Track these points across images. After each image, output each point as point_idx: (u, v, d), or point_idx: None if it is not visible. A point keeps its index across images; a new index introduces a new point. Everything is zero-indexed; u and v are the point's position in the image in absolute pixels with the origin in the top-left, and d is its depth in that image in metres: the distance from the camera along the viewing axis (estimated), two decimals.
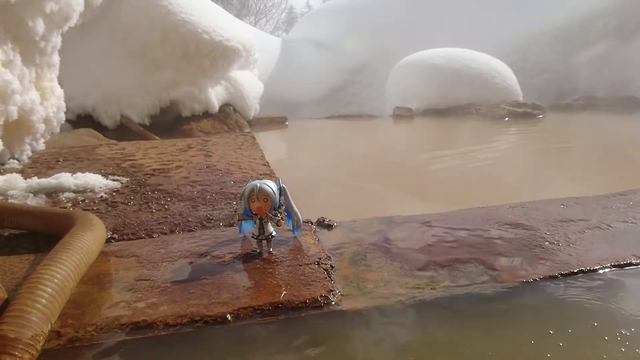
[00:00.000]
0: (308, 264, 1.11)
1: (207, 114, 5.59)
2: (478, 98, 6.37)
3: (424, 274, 1.07)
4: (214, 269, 1.10)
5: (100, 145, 2.99)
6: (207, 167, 2.23)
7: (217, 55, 5.56)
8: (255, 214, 1.17)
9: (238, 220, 1.19)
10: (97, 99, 5.08)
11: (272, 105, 7.15)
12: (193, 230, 1.46)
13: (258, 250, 1.18)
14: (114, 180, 2.05)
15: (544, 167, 2.83)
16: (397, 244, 1.25)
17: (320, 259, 1.14)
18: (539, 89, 7.66)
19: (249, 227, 1.31)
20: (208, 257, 1.18)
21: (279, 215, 1.17)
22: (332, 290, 0.98)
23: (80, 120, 5.07)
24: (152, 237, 1.39)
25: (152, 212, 1.65)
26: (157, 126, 5.16)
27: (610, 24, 7.60)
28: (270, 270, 1.08)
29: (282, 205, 1.20)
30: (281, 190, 1.20)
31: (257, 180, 1.16)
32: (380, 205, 2.12)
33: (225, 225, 1.50)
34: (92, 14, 4.95)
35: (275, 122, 6.31)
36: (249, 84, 6.31)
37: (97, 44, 5.15)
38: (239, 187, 1.92)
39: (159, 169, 2.22)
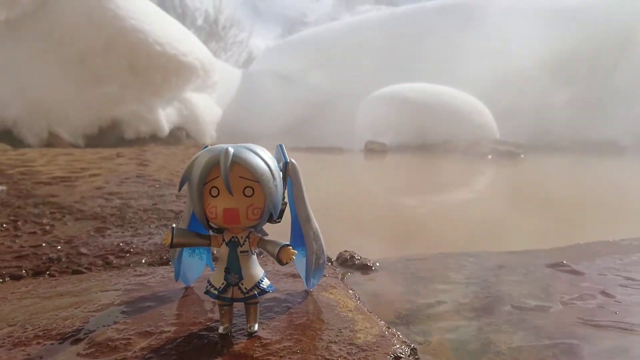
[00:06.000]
0: None
1: (155, 137, 4.78)
2: (455, 134, 5.92)
3: None
4: None
5: None
6: (137, 176, 1.47)
7: (170, 71, 4.84)
8: (219, 233, 0.45)
9: (172, 245, 0.45)
10: (21, 111, 4.19)
11: (228, 137, 6.43)
12: (80, 272, 0.70)
13: (222, 330, 0.45)
14: None
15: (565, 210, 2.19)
16: (537, 309, 0.54)
17: (397, 356, 0.41)
18: (512, 130, 7.34)
19: (201, 267, 0.58)
20: (81, 344, 0.43)
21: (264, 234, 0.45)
22: None
23: None
24: None
25: (15, 236, 0.89)
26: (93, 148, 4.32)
27: (582, 68, 7.47)
28: None
29: (284, 207, 0.47)
30: (287, 171, 0.48)
31: (229, 144, 0.44)
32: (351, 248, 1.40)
33: (151, 264, 0.76)
34: (21, 9, 4.16)
35: None
36: (205, 107, 5.60)
37: (27, 46, 4.32)
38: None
39: (61, 177, 1.45)
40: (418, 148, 5.79)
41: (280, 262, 0.43)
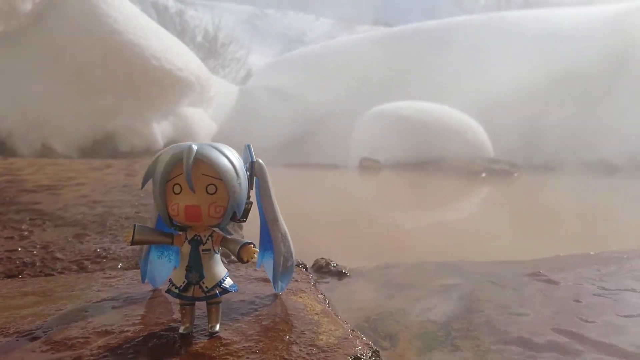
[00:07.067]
0: None
1: (149, 151, 4.77)
2: (450, 153, 5.94)
3: None
4: None
5: None
6: (124, 186, 1.47)
7: (166, 85, 4.86)
8: (182, 231, 0.45)
9: (133, 241, 0.45)
10: (16, 123, 4.20)
11: None
12: (52, 275, 0.69)
13: (182, 330, 0.44)
14: None
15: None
16: (507, 316, 0.54)
17: (357, 357, 0.41)
18: (506, 150, 7.38)
19: (169, 269, 0.57)
20: (38, 342, 0.42)
21: (231, 234, 0.45)
22: None
23: None
24: None
25: None
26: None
27: (576, 89, 7.55)
28: None
29: (249, 207, 0.46)
30: (253, 170, 0.48)
31: (193, 142, 0.44)
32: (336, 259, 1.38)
33: (127, 269, 0.75)
34: (19, 21, 4.19)
35: None
36: (201, 122, 5.61)
37: (23, 59, 4.34)
38: None
39: (47, 185, 1.44)
40: (412, 165, 5.80)
41: (242, 260, 0.42)
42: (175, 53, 5.04)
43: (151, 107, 4.87)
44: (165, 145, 5.22)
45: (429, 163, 5.85)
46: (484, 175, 5.27)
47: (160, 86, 4.80)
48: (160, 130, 4.97)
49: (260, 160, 0.49)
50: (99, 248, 0.86)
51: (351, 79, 8.91)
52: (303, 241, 1.04)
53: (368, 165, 5.87)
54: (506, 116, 7.80)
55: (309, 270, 0.70)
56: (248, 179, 0.46)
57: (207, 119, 5.90)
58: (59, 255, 0.81)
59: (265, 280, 0.60)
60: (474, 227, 1.79)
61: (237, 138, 7.15)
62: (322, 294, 0.57)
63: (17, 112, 4.21)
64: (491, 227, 1.75)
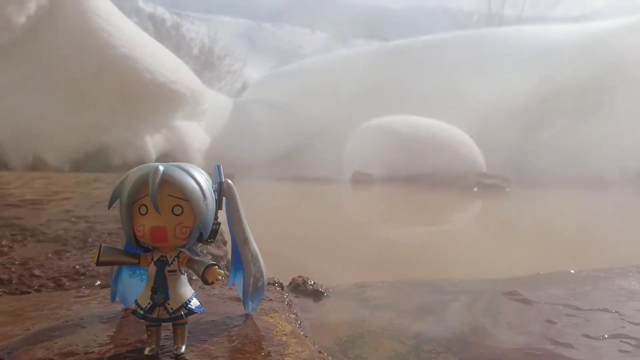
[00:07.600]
0: None
1: (141, 164, 4.76)
2: (443, 167, 5.97)
3: None
4: None
5: None
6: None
7: (159, 98, 4.87)
8: (149, 251, 0.45)
9: (98, 262, 0.44)
10: (7, 134, 4.19)
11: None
12: (28, 292, 0.69)
13: (148, 351, 0.44)
14: None
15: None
16: (479, 337, 0.54)
17: None
18: (498, 165, 7.42)
19: (141, 288, 0.57)
20: None
21: (198, 254, 0.45)
22: None
23: None
24: None
25: None
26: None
27: (567, 104, 7.62)
28: None
29: (216, 228, 0.46)
30: (221, 191, 0.48)
31: (160, 163, 0.44)
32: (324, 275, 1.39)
33: (104, 286, 0.75)
34: (13, 34, 4.20)
35: None
36: (194, 135, 5.62)
37: (17, 70, 4.34)
38: None
39: (32, 200, 1.44)
40: (405, 179, 5.82)
41: (206, 282, 0.43)
42: (169, 66, 5.06)
43: (144, 120, 4.87)
44: (158, 159, 5.23)
45: (422, 177, 5.87)
46: (476, 189, 5.29)
47: (153, 99, 4.81)
48: (153, 143, 4.96)
49: (230, 181, 0.49)
50: (78, 265, 0.85)
51: (345, 92, 8.97)
52: (285, 258, 1.04)
53: (361, 179, 5.89)
54: (499, 131, 7.85)
55: (285, 289, 0.70)
56: (217, 199, 0.46)
57: (201, 131, 5.91)
58: (37, 272, 0.80)
59: (239, 299, 0.60)
60: (461, 243, 1.79)
61: (231, 151, 7.16)
62: (294, 313, 0.57)
63: (9, 123, 4.19)
64: (477, 244, 1.75)
